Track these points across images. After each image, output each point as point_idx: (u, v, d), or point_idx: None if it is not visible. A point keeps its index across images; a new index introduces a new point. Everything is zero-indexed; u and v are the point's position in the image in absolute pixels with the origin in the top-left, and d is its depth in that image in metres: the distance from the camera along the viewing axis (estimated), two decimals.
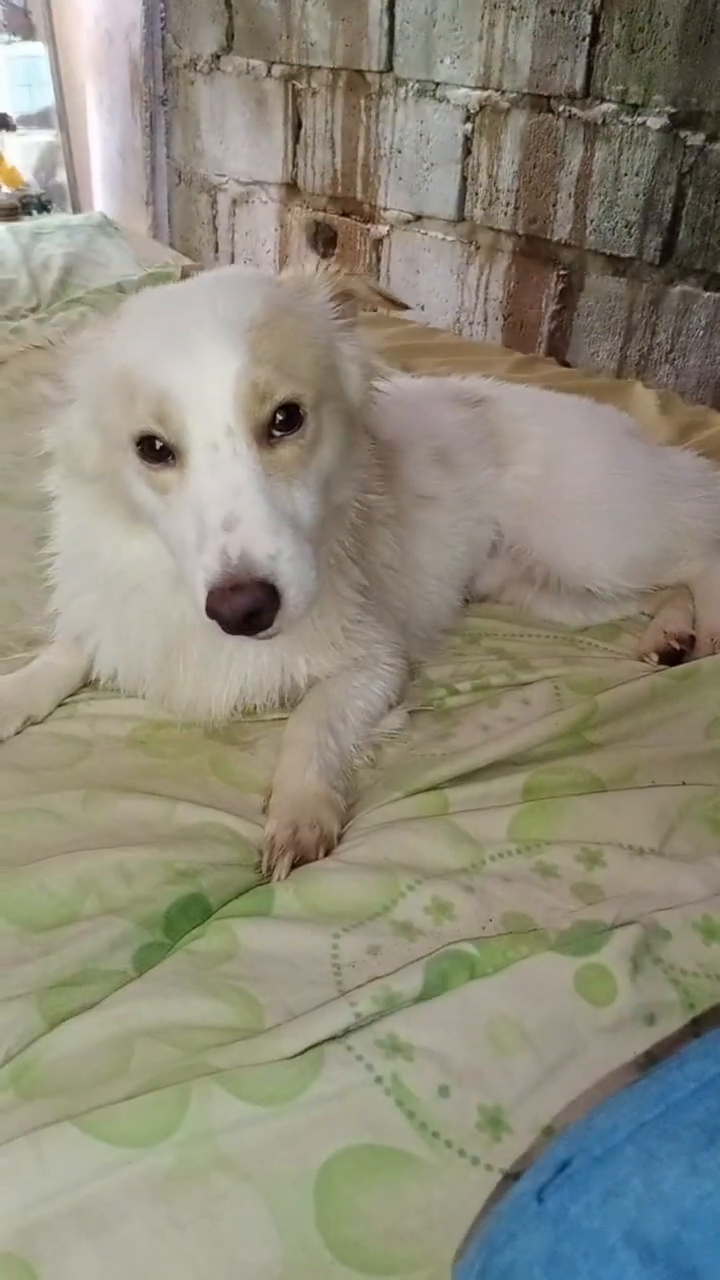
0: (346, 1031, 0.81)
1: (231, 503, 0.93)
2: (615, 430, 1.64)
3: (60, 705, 1.23)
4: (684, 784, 1.10)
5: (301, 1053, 0.79)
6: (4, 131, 4.18)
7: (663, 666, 1.35)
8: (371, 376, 1.13)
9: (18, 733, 1.18)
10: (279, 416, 0.97)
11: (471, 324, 2.86)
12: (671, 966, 0.87)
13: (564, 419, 1.62)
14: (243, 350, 0.95)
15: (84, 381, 1.06)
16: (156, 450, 0.97)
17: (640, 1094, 0.54)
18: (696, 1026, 0.84)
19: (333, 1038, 0.80)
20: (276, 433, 0.97)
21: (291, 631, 1.01)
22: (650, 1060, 0.80)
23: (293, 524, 0.95)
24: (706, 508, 1.56)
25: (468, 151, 2.70)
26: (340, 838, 1.07)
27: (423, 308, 2.97)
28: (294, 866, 1.01)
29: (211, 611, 0.92)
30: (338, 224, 3.15)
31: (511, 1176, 0.73)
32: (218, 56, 3.36)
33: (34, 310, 2.66)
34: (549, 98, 2.49)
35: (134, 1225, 0.70)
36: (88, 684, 1.28)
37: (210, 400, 0.94)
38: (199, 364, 0.94)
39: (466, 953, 0.87)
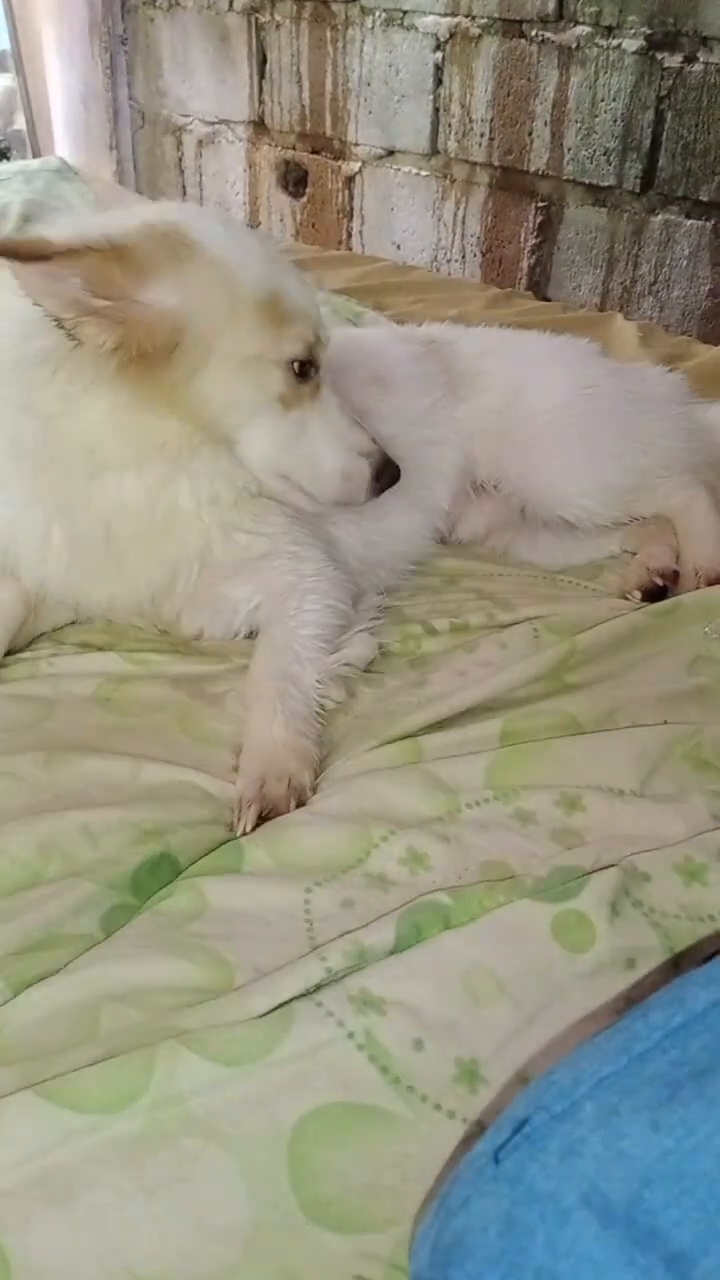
0: (318, 988, 0.78)
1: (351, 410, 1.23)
2: (576, 351, 1.61)
3: (21, 663, 1.20)
4: (665, 723, 1.07)
5: (271, 1011, 0.77)
6: None
7: (646, 604, 1.32)
8: None
9: None
10: None
11: (449, 261, 2.79)
12: (652, 909, 0.85)
13: (523, 349, 1.58)
14: None
15: (201, 295, 1.07)
16: (300, 371, 1.14)
17: (603, 1046, 0.52)
18: (677, 967, 0.82)
19: (304, 995, 0.78)
20: None
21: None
22: (629, 1005, 0.78)
23: None
24: (677, 426, 1.52)
25: (439, 82, 2.62)
26: (315, 788, 1.05)
27: (398, 246, 2.89)
28: (262, 820, 0.98)
29: (377, 485, 1.23)
30: (308, 162, 3.06)
31: (483, 1127, 0.71)
32: None
33: None
34: (521, 22, 2.40)
35: (101, 1191, 0.68)
36: (40, 635, 1.25)
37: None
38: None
39: (441, 903, 0.84)
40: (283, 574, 1.23)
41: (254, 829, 0.97)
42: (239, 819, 0.99)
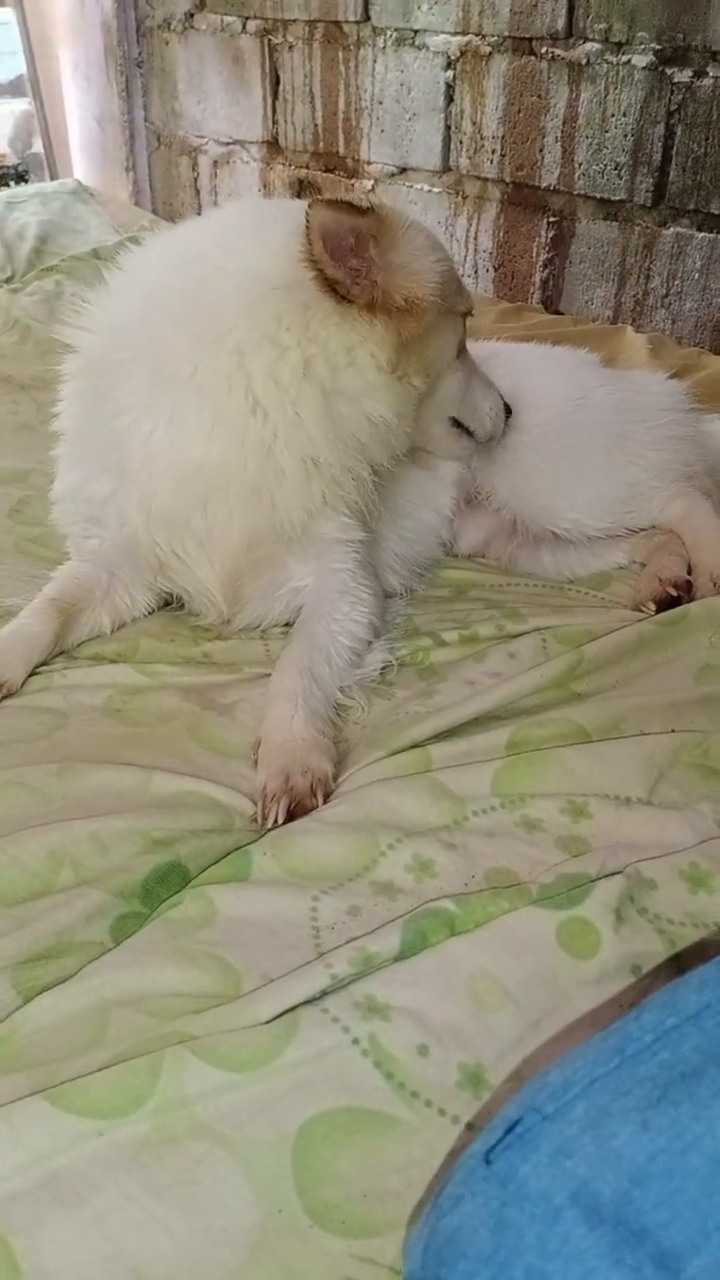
0: (324, 994, 0.79)
1: None
2: (570, 363, 1.61)
3: (35, 675, 1.21)
4: (673, 731, 1.07)
5: (277, 1017, 0.77)
6: None
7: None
8: None
9: None
10: None
11: (462, 277, 2.80)
12: (657, 916, 0.85)
13: (517, 362, 1.59)
14: None
15: (430, 258, 1.23)
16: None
17: (597, 1048, 0.52)
18: (681, 973, 0.82)
19: (310, 1001, 0.79)
20: None
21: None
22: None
23: None
24: (670, 435, 1.51)
25: (450, 99, 2.64)
26: (335, 778, 1.07)
27: None
28: (291, 814, 1.01)
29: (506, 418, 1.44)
30: (321, 181, 3.08)
31: (478, 1129, 0.71)
32: (191, 15, 3.28)
33: (9, 280, 2.61)
34: (531, 40, 2.42)
35: (108, 1194, 0.69)
36: (62, 652, 1.27)
37: None
38: None
39: (446, 910, 0.85)
40: (341, 568, 1.29)
41: (284, 822, 1.00)
42: (267, 812, 1.01)
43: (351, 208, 1.13)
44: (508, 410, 1.45)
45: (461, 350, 1.35)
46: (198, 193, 3.56)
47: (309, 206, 1.11)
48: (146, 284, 1.25)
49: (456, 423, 1.39)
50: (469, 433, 1.41)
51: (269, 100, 3.13)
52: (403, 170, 2.83)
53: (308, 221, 1.11)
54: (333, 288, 1.14)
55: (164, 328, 1.19)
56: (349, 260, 1.13)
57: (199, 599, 1.32)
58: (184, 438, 1.18)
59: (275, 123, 3.14)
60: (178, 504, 1.22)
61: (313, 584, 1.29)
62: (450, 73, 2.61)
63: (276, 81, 3.08)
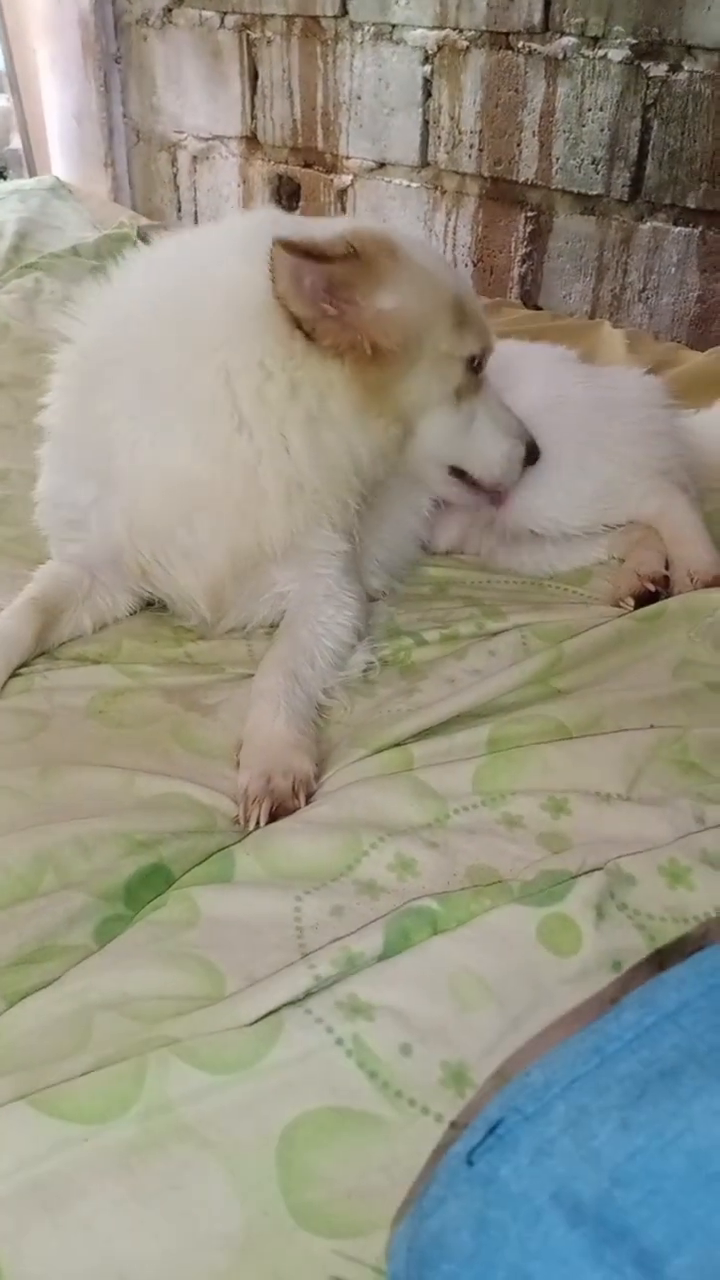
0: (307, 995, 0.79)
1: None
2: (547, 360, 1.60)
3: (16, 676, 1.20)
4: (652, 727, 1.08)
5: (261, 1019, 0.78)
6: None
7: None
8: None
9: None
10: None
11: None
12: (637, 911, 0.86)
13: (496, 360, 1.58)
14: None
15: (416, 301, 1.16)
16: (474, 368, 1.26)
17: (577, 1047, 0.53)
18: (662, 968, 0.82)
19: (293, 1002, 0.79)
20: None
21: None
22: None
23: None
24: (646, 430, 1.52)
25: (428, 94, 2.64)
26: (317, 777, 1.07)
27: None
28: (273, 815, 1.00)
29: (526, 465, 1.35)
30: (300, 176, 3.08)
31: (460, 1129, 0.71)
32: (169, 10, 3.27)
33: None
34: (508, 34, 2.42)
35: (94, 1200, 0.69)
36: (44, 652, 1.26)
37: None
38: None
39: (428, 908, 0.85)
40: (325, 574, 1.27)
41: (267, 823, 1.00)
42: (249, 815, 1.01)
43: (318, 254, 1.08)
44: (535, 455, 1.35)
45: (464, 394, 1.25)
46: (177, 188, 3.55)
47: (273, 244, 1.07)
48: (146, 285, 1.23)
49: (457, 471, 1.32)
50: (472, 481, 1.34)
51: (248, 95, 3.12)
52: (381, 165, 2.83)
53: (271, 259, 1.07)
54: (299, 324, 1.11)
55: (155, 334, 1.17)
56: (320, 299, 1.09)
57: (181, 604, 1.31)
58: (170, 451, 1.17)
59: (254, 118, 3.13)
60: (162, 516, 1.20)
61: (297, 589, 1.28)
62: (428, 67, 2.61)
63: (255, 76, 3.07)
